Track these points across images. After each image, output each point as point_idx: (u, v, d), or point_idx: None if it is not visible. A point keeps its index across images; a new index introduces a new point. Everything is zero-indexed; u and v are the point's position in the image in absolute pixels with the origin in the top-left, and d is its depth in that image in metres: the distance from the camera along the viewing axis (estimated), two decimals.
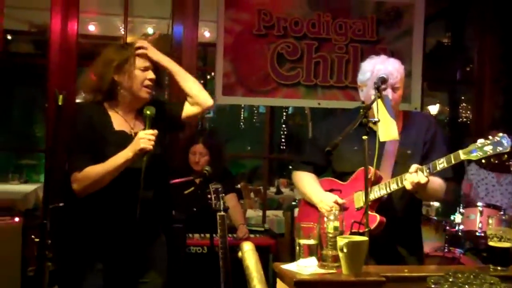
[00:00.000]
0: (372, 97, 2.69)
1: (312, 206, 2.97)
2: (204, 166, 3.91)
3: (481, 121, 5.50)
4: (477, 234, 4.30)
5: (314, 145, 3.09)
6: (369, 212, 2.70)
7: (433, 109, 8.85)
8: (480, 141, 2.49)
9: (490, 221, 2.32)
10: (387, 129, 2.69)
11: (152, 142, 2.59)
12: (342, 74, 5.05)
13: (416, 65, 5.15)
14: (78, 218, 2.77)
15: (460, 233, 4.42)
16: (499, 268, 2.24)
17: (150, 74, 2.75)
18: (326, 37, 5.03)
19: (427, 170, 2.62)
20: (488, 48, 5.47)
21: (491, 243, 2.27)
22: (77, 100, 4.41)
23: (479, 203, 4.40)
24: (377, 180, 2.79)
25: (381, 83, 2.72)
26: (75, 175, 2.64)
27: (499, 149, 2.44)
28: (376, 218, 2.71)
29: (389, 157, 2.86)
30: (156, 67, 2.80)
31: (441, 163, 2.59)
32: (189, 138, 4.58)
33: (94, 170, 2.61)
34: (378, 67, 2.84)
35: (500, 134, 2.46)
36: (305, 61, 5.02)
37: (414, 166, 2.64)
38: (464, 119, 8.15)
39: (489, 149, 2.46)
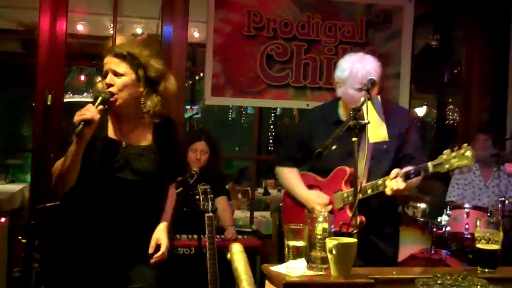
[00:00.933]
0: (362, 99, 2.70)
1: (295, 200, 3.16)
2: (193, 168, 3.90)
3: (468, 123, 5.53)
4: (463, 236, 4.31)
5: (295, 141, 3.23)
6: (349, 213, 2.77)
7: (421, 111, 8.89)
8: (447, 152, 2.55)
9: (478, 223, 2.32)
10: (377, 130, 2.72)
11: (85, 111, 2.40)
12: (331, 75, 5.05)
13: (405, 67, 5.18)
14: (65, 220, 2.72)
15: (446, 235, 4.43)
16: (486, 270, 2.25)
17: (107, 79, 2.56)
18: (315, 38, 5.05)
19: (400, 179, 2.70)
20: (476, 50, 5.50)
21: (479, 245, 2.28)
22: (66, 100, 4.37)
23: (466, 205, 4.41)
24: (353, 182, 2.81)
25: (370, 85, 2.73)
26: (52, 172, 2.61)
27: (465, 162, 2.51)
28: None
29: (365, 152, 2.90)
30: (116, 72, 2.56)
31: (412, 174, 2.69)
32: (188, 136, 4.55)
33: (57, 163, 2.54)
34: (357, 66, 2.90)
35: (465, 145, 2.52)
36: (295, 62, 5.03)
37: (394, 172, 2.72)
38: (451, 121, 8.20)
39: (455, 161, 2.53)
